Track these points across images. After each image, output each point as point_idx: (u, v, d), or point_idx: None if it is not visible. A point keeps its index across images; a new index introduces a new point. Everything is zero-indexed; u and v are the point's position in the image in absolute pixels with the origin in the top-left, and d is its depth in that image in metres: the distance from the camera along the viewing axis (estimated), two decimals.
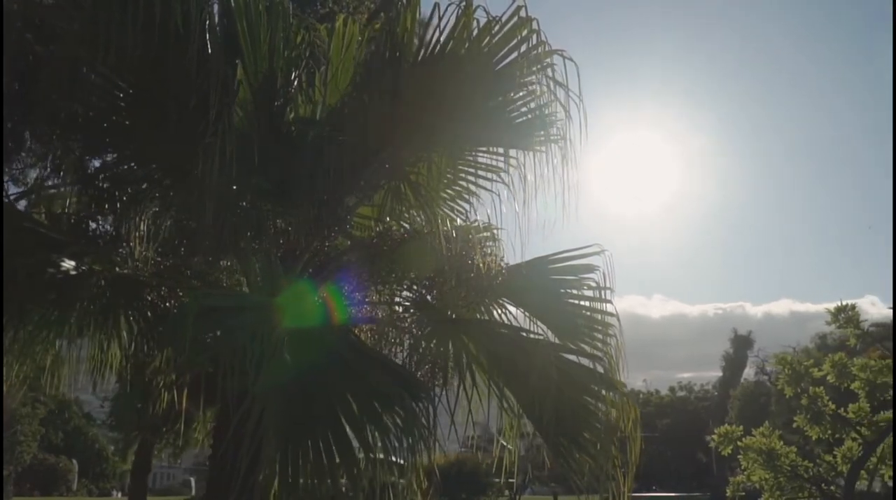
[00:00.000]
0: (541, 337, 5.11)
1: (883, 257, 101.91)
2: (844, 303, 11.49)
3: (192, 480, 58.31)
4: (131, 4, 3.87)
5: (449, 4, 4.82)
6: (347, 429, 3.68)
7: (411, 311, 5.47)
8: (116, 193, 6.04)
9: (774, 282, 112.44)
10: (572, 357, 4.97)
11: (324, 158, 5.24)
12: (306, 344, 3.85)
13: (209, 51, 4.48)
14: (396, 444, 3.66)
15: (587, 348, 5.42)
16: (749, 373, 51.08)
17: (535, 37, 4.50)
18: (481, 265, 5.18)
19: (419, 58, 4.94)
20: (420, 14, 4.95)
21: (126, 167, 5.95)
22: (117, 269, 5.40)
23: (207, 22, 4.52)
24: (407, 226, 6.06)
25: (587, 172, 5.35)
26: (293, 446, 3.65)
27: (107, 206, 9.91)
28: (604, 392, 4.73)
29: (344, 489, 3.58)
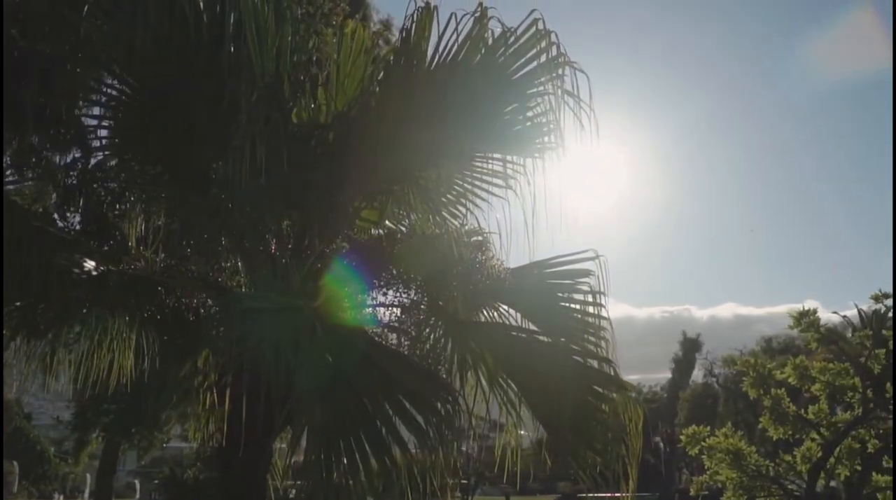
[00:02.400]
0: (559, 340, 5.24)
1: (822, 262, 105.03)
2: (806, 308, 11.89)
3: (137, 482, 57.09)
4: (167, 8, 3.90)
5: (464, 15, 4.95)
6: (382, 429, 3.77)
7: (416, 313, 5.56)
8: (106, 194, 6.02)
9: (719, 286, 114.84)
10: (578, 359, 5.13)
11: (336, 160, 5.32)
12: (337, 345, 3.92)
13: (232, 53, 4.51)
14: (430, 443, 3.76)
15: (577, 348, 5.59)
16: (697, 375, 52.34)
17: (554, 49, 4.64)
18: (493, 269, 5.30)
19: (433, 64, 5.05)
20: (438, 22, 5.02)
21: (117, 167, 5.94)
22: (121, 267, 5.39)
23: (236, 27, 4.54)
24: (404, 229, 6.17)
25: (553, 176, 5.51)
26: (326, 445, 3.72)
27: (80, 203, 9.77)
28: (612, 394, 4.90)
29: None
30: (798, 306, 12.08)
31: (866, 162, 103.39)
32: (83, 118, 7.36)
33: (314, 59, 5.85)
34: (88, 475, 49.20)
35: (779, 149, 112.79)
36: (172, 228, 5.81)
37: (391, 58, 5.50)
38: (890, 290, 11.86)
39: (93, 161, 10.19)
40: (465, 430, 4.08)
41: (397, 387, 3.94)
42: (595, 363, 5.20)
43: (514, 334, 5.37)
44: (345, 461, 3.72)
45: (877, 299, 11.59)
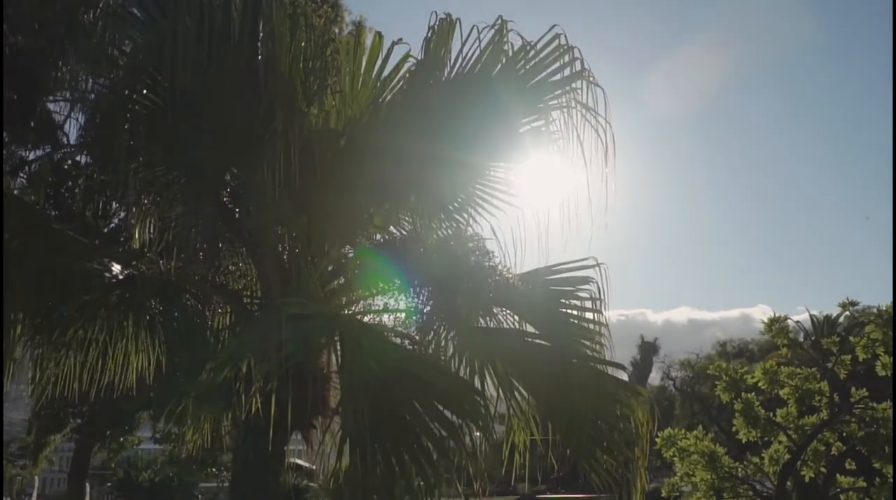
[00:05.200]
0: (570, 346, 5.37)
1: (771, 268, 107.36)
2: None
3: (87, 485, 55.92)
4: (207, 17, 3.95)
5: (485, 27, 5.06)
6: (418, 432, 3.85)
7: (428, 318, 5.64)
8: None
9: (673, 290, 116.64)
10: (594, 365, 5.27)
11: (349, 167, 5.39)
12: (375, 350, 3.99)
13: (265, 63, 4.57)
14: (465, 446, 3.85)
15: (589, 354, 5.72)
16: (654, 378, 53.23)
17: (577, 64, 4.77)
18: (502, 275, 5.42)
19: (452, 75, 5.15)
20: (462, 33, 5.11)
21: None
22: (131, 270, 5.40)
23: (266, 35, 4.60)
24: (406, 234, 6.26)
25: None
26: (360, 449, 3.78)
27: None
28: (628, 398, 5.05)
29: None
30: (749, 311, 12.46)
31: (814, 171, 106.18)
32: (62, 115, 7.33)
33: (325, 65, 5.91)
34: (36, 478, 48.02)
35: (729, 157, 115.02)
36: (177, 232, 5.82)
37: (404, 66, 5.60)
38: (850, 298, 12.31)
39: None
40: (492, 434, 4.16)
41: (430, 391, 4.02)
42: (604, 368, 5.35)
43: (525, 339, 5.49)
44: (381, 464, 3.80)
45: (844, 306, 11.97)
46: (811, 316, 36.87)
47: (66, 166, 12.02)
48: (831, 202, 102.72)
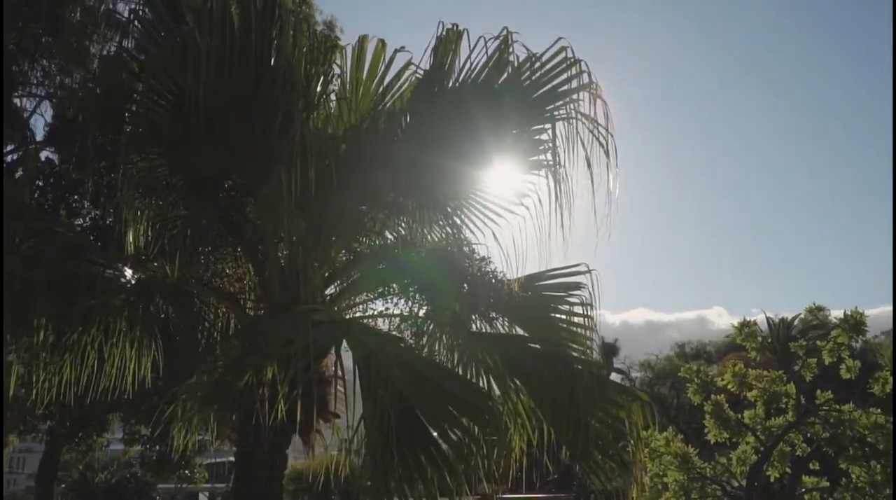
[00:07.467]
0: (568, 351, 5.47)
1: (729, 270, 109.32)
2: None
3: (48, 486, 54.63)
4: (228, 27, 3.97)
5: (490, 38, 5.13)
6: (435, 437, 3.91)
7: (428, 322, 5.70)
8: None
9: (631, 292, 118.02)
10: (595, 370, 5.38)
11: (355, 173, 5.43)
12: (395, 356, 4.04)
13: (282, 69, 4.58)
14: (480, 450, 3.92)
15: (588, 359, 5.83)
16: (614, 378, 53.73)
17: (584, 76, 4.87)
18: (501, 281, 5.50)
19: (458, 84, 5.22)
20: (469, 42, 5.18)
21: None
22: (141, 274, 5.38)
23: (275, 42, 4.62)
24: (396, 239, 6.32)
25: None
26: (383, 456, 3.83)
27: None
28: (624, 402, 5.18)
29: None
30: (706, 312, 12.70)
31: (773, 176, 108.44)
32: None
33: (325, 71, 5.93)
34: None
35: (687, 161, 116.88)
36: (174, 235, 5.80)
37: (405, 74, 5.66)
38: (816, 303, 12.67)
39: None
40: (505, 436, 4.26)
41: (451, 399, 4.08)
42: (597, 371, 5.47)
43: (526, 344, 5.59)
44: (399, 469, 3.86)
45: (811, 311, 12.28)
46: (767, 318, 37.63)
47: (38, 163, 11.85)
48: (788, 207, 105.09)
